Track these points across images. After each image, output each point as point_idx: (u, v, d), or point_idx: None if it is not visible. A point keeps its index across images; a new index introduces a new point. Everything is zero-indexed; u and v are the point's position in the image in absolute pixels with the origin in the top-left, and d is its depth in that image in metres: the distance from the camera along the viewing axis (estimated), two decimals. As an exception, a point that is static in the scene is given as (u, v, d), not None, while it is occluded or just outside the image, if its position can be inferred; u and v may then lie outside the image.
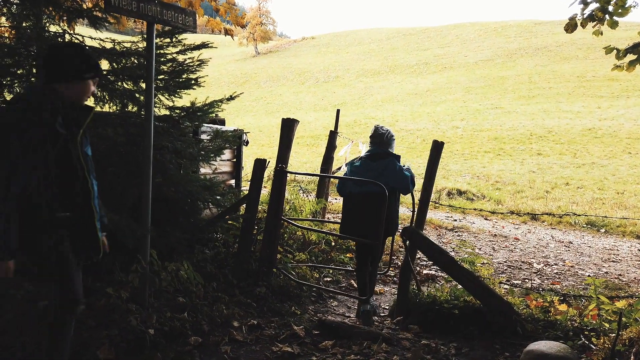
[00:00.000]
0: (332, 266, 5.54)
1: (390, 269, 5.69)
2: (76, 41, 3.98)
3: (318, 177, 8.13)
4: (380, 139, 4.38)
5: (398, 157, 4.37)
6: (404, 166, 4.37)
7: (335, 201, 10.66)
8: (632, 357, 2.99)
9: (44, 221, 2.35)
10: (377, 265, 4.33)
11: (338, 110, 7.68)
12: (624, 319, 3.34)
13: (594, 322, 3.68)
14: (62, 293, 2.51)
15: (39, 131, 2.25)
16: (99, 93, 4.05)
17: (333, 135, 7.24)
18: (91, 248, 2.54)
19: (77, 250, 2.51)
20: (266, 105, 39.97)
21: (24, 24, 3.83)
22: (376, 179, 4.16)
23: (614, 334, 3.19)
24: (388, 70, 46.81)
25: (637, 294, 5.10)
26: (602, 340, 3.28)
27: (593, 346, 3.33)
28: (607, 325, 3.58)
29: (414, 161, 16.53)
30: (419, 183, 4.46)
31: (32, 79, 3.87)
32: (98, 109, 4.24)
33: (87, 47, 2.76)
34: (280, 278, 4.58)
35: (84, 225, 2.52)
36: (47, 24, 3.95)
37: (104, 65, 4.13)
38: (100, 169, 3.87)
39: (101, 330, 3.21)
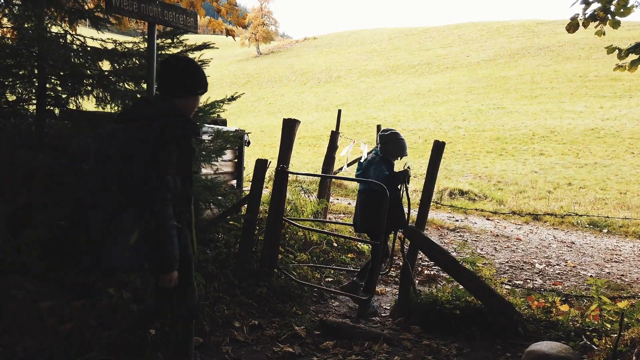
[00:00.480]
0: (334, 266, 5.54)
1: (392, 269, 5.69)
2: (78, 42, 4.00)
3: (319, 178, 8.13)
4: (380, 141, 4.54)
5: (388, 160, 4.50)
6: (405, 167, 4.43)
7: (337, 201, 10.66)
8: (633, 358, 2.98)
9: (178, 228, 2.40)
10: (376, 262, 4.34)
11: (339, 111, 7.68)
12: (625, 319, 3.33)
13: (596, 322, 3.67)
14: (189, 299, 2.59)
15: (190, 142, 2.40)
16: (100, 94, 4.06)
17: (334, 135, 7.24)
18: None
19: None
20: (268, 105, 39.99)
21: (25, 25, 3.85)
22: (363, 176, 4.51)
23: (615, 335, 3.18)
24: (390, 71, 46.79)
25: (639, 294, 5.09)
26: (603, 341, 3.27)
27: (595, 347, 3.32)
28: (608, 325, 3.57)
29: (415, 161, 16.52)
30: (420, 183, 4.47)
31: (34, 79, 3.89)
32: (100, 109, 4.25)
33: (197, 62, 2.79)
34: (282, 278, 4.58)
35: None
36: (49, 25, 3.96)
37: (106, 65, 4.14)
38: (102, 170, 3.90)
39: (103, 330, 3.22)
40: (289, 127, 4.64)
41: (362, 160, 4.70)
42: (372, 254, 4.47)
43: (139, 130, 2.32)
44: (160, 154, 2.27)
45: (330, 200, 7.92)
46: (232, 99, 4.59)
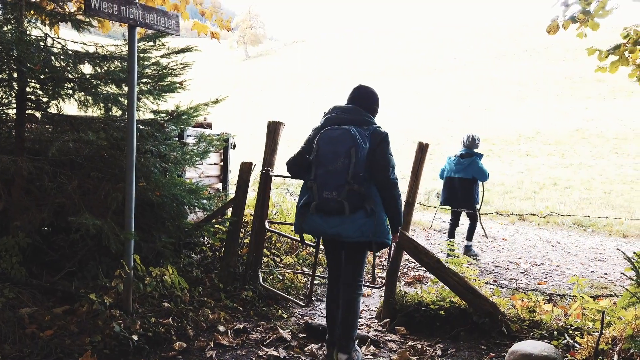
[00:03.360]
0: (320, 270, 5.53)
1: (378, 270, 5.70)
2: (59, 45, 3.95)
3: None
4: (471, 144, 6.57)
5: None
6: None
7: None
8: (615, 356, 3.01)
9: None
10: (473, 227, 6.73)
11: (326, 113, 7.67)
12: (607, 317, 3.36)
13: (579, 321, 3.70)
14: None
15: None
16: (81, 97, 4.02)
17: (321, 137, 7.23)
18: None
19: None
20: (257, 108, 39.93)
21: (4, 28, 3.79)
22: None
23: (597, 333, 3.21)
24: (379, 73, 46.98)
25: (621, 292, 5.15)
26: (586, 339, 3.29)
27: (577, 345, 3.35)
28: (590, 324, 3.60)
29: (403, 163, 16.53)
30: (406, 183, 4.50)
31: (14, 83, 3.83)
32: (82, 113, 4.21)
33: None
34: (267, 283, 4.56)
35: None
36: (29, 28, 3.91)
37: (87, 69, 4.10)
38: (84, 173, 3.86)
39: (84, 336, 3.18)
40: (273, 129, 4.63)
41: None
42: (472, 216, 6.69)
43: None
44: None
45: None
46: (217, 101, 4.57)
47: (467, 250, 6.73)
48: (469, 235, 6.79)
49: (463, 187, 6.48)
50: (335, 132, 3.06)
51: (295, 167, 3.30)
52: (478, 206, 6.60)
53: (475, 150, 6.59)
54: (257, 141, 24.49)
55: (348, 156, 2.99)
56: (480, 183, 6.57)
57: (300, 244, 5.76)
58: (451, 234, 6.84)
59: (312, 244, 4.05)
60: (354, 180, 3.00)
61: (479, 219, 6.70)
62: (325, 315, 3.47)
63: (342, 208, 2.99)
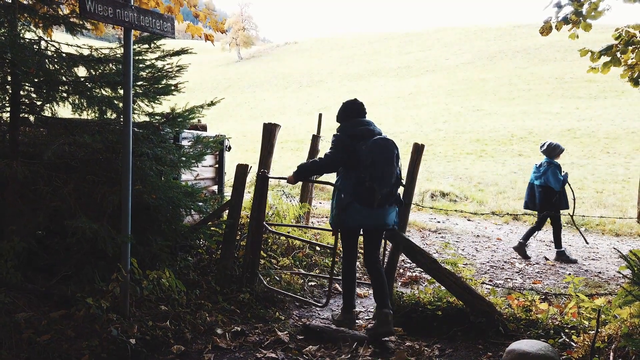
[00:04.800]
0: (317, 271, 5.53)
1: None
2: (53, 48, 3.93)
3: (301, 182, 8.12)
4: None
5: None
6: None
7: (320, 205, 10.66)
8: (611, 354, 3.03)
9: None
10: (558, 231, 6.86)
11: (320, 115, 7.70)
12: (602, 316, 3.39)
13: (574, 320, 3.73)
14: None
15: None
16: (76, 100, 4.00)
17: (316, 139, 7.26)
18: None
19: None
20: (250, 110, 39.88)
21: (-3, 31, 3.77)
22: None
23: (593, 332, 3.24)
24: (371, 74, 47.10)
25: (616, 290, 5.19)
26: (582, 338, 3.32)
27: (573, 344, 3.38)
28: (586, 322, 3.63)
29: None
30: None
31: (7, 87, 3.81)
32: (76, 116, 4.18)
33: None
34: (264, 284, 4.56)
35: None
36: (23, 31, 3.88)
37: (82, 72, 4.08)
38: (79, 177, 3.84)
39: (81, 341, 3.16)
40: (269, 132, 4.63)
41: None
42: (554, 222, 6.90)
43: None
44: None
45: (312, 205, 7.92)
46: (212, 104, 4.56)
47: (559, 255, 6.81)
48: (556, 242, 6.93)
49: (540, 193, 6.85)
50: (383, 141, 3.81)
51: (337, 167, 3.97)
52: (570, 211, 7.01)
53: (552, 159, 6.84)
54: (250, 143, 24.47)
55: (396, 160, 3.84)
56: (565, 189, 6.91)
57: (296, 246, 5.78)
58: (525, 236, 7.01)
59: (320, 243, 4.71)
60: (396, 179, 3.87)
61: (574, 225, 7.31)
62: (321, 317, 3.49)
63: (391, 202, 3.86)
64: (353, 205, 3.78)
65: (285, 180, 4.30)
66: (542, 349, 3.13)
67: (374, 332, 3.69)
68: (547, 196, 6.78)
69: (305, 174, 4.16)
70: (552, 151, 6.85)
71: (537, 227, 7.01)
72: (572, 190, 7.07)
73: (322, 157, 4.00)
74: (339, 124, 4.08)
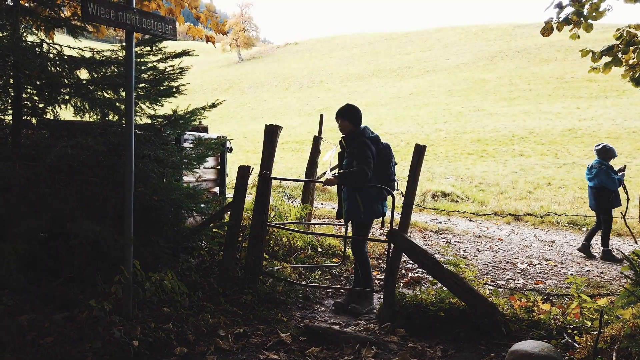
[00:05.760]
0: (323, 264, 5.54)
1: (376, 272, 5.71)
2: (55, 51, 3.94)
3: (303, 183, 8.13)
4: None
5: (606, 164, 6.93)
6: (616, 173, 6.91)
7: (322, 206, 10.66)
8: (614, 354, 3.03)
9: None
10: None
11: (322, 116, 7.71)
12: (605, 316, 3.39)
13: (577, 320, 3.73)
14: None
15: None
16: (78, 103, 4.01)
17: (317, 140, 7.26)
18: None
19: None
20: (250, 111, 39.91)
21: (0, 34, 3.77)
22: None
23: (596, 332, 3.24)
24: (371, 75, 47.09)
25: (618, 291, 5.19)
26: (584, 339, 3.32)
27: (576, 344, 3.37)
28: (589, 323, 3.63)
29: (398, 164, 16.63)
30: (402, 186, 4.59)
31: (10, 89, 3.82)
32: (78, 118, 4.19)
33: None
34: (266, 285, 4.56)
35: None
36: (24, 34, 3.89)
37: (84, 74, 4.09)
38: (82, 179, 3.85)
39: (84, 343, 3.17)
40: (271, 133, 4.63)
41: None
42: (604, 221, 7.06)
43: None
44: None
45: (314, 205, 7.93)
46: (213, 105, 4.56)
47: (605, 254, 6.95)
48: (603, 241, 7.06)
49: (594, 194, 7.12)
50: (386, 144, 4.59)
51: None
52: (622, 210, 7.10)
53: (604, 160, 7.06)
54: (251, 144, 24.49)
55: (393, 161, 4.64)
56: (617, 190, 7.05)
57: (298, 247, 5.78)
58: (588, 237, 7.22)
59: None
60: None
61: (626, 226, 7.40)
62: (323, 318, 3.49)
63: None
64: (378, 198, 4.47)
65: (322, 184, 4.72)
66: (545, 350, 3.13)
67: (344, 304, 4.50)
68: (603, 196, 7.00)
69: (352, 183, 4.45)
70: (605, 153, 7.07)
71: (598, 226, 7.20)
72: (626, 191, 7.19)
73: (360, 164, 4.29)
74: (351, 126, 4.49)
